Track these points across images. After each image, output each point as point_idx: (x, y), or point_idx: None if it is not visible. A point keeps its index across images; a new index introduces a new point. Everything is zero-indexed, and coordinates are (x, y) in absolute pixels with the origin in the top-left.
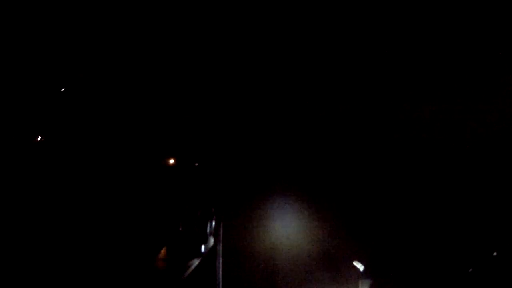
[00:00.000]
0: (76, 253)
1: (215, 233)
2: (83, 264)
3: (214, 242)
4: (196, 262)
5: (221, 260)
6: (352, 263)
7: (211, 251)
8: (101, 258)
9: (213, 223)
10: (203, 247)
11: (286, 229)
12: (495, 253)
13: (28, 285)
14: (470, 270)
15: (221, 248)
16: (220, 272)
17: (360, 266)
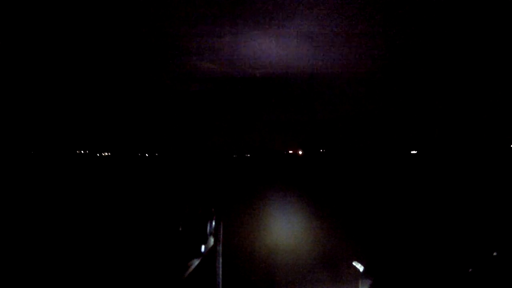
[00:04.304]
0: (75, 253)
1: (215, 233)
2: (82, 264)
3: (214, 242)
4: (196, 262)
5: (221, 260)
6: (352, 263)
7: (211, 251)
8: (100, 258)
9: (213, 223)
10: (203, 247)
11: (286, 229)
12: (495, 253)
13: (29, 285)
14: (470, 270)
15: (221, 248)
16: (220, 272)
17: (360, 266)
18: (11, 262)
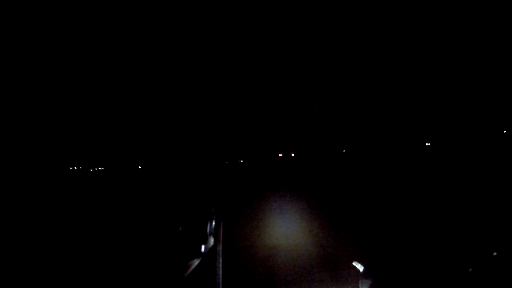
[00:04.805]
0: (76, 253)
1: (215, 233)
2: (82, 264)
3: (214, 242)
4: (196, 262)
5: (221, 260)
6: (352, 263)
7: (211, 251)
8: (100, 258)
9: (213, 223)
10: (203, 247)
11: (286, 229)
12: (495, 253)
13: (29, 285)
14: (470, 270)
15: (221, 248)
16: (220, 272)
17: (360, 266)
18: (18, 263)
